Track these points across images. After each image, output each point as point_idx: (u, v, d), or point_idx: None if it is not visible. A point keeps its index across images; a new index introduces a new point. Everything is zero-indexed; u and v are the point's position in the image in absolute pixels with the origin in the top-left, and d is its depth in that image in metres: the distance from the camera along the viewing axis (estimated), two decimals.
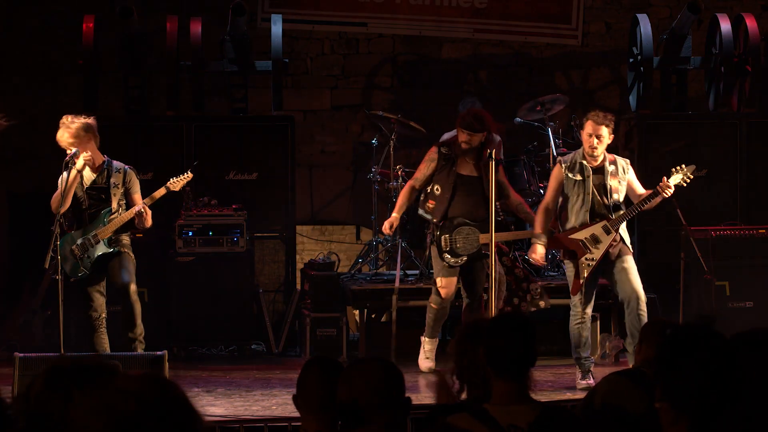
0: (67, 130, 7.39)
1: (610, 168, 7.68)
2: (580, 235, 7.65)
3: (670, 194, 7.60)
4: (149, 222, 7.48)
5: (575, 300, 7.70)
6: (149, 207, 7.51)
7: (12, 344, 8.40)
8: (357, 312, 9.40)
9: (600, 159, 7.67)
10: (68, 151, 7.39)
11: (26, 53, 10.56)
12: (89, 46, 9.62)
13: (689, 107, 10.32)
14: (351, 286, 9.19)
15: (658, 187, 7.59)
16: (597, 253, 7.60)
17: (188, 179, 7.71)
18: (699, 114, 10.23)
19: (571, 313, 7.77)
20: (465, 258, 8.01)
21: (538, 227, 7.71)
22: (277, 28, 9.95)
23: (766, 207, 9.64)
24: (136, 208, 7.41)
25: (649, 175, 9.84)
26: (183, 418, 2.06)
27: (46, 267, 7.33)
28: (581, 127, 7.75)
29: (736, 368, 3.07)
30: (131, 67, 9.87)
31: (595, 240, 7.63)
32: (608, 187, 7.65)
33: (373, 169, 9.81)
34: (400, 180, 9.32)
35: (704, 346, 3.12)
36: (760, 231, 9.24)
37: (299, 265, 10.11)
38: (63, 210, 7.32)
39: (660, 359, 3.16)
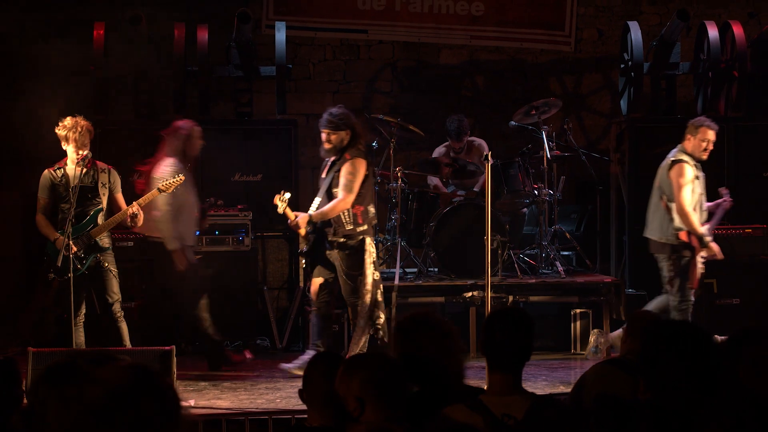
0: (71, 129, 7.43)
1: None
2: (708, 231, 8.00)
3: None
4: (141, 222, 7.51)
5: (689, 294, 8.00)
6: (142, 207, 7.55)
7: (26, 341, 8.42)
8: None
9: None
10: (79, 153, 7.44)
11: (39, 59, 10.57)
12: (100, 52, 9.64)
13: (678, 111, 10.34)
14: None
15: None
16: (707, 253, 7.99)
17: (180, 182, 7.71)
18: (688, 117, 10.25)
19: (681, 305, 7.99)
20: (303, 260, 7.96)
21: (701, 228, 7.94)
22: (280, 35, 9.96)
23: (752, 207, 9.66)
24: (130, 210, 7.44)
25: (640, 176, 9.88)
26: (159, 408, 2.00)
27: (59, 266, 7.34)
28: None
29: (716, 361, 3.10)
30: (140, 72, 9.90)
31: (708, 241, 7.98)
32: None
33: (373, 171, 9.81)
34: (400, 181, 9.34)
35: (685, 340, 3.14)
36: (746, 230, 9.28)
37: (302, 263, 10.11)
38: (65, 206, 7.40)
39: (644, 353, 3.19)
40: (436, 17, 11.12)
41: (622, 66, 10.38)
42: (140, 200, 7.53)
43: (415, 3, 11.08)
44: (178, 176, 7.69)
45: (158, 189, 7.61)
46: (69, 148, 7.48)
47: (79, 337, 7.53)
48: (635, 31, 10.01)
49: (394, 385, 3.44)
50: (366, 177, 7.75)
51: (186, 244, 8.02)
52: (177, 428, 2.02)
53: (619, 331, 7.86)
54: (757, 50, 10.25)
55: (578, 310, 9.09)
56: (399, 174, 9.37)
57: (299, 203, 10.13)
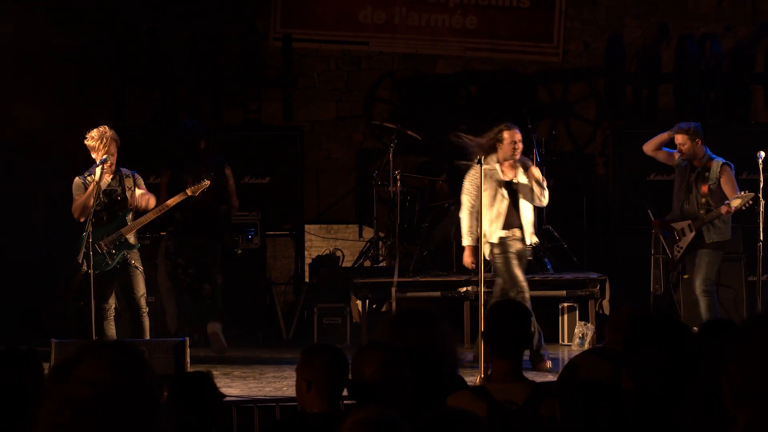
0: (98, 140, 7.44)
1: (703, 170, 7.92)
2: (677, 226, 8.01)
3: (731, 212, 7.81)
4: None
5: None
6: (170, 209, 7.71)
7: (49, 333, 8.41)
8: (359, 302, 9.43)
9: (696, 160, 7.95)
10: (97, 158, 7.45)
11: (61, 69, 10.58)
12: (118, 62, 9.66)
13: (659, 118, 10.35)
14: (354, 279, 9.22)
15: (720, 208, 7.78)
16: (683, 244, 7.97)
17: (205, 186, 7.75)
18: (668, 124, 10.25)
19: None
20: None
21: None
22: (287, 47, 9.98)
23: None
24: (157, 212, 7.56)
25: (623, 178, 9.90)
26: (142, 403, 1.93)
27: (80, 262, 7.35)
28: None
29: (694, 352, 3.11)
30: (156, 81, 9.91)
31: (683, 233, 7.97)
32: (698, 187, 7.83)
33: (374, 174, 9.83)
34: (399, 183, 9.35)
35: (666, 332, 3.16)
36: None
37: (307, 260, 10.14)
38: (88, 211, 7.38)
39: (627, 344, 3.21)
40: (433, 30, 11.13)
41: (607, 76, 10.39)
42: (168, 201, 7.63)
43: (413, 17, 11.09)
44: (204, 181, 7.74)
45: (185, 192, 7.68)
46: (97, 158, 7.48)
47: (110, 330, 7.56)
48: (619, 43, 10.03)
49: (399, 373, 3.47)
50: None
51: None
52: (158, 417, 1.96)
53: None
54: (732, 61, 10.26)
55: (565, 304, 9.12)
56: (398, 176, 9.39)
57: (305, 203, 10.17)
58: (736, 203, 7.70)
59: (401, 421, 2.37)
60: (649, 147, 8.25)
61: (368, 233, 10.84)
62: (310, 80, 11.29)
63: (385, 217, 9.85)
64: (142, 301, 7.61)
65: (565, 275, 9.32)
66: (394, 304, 8.79)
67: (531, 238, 7.75)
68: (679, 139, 7.97)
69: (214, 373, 7.60)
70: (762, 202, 8.27)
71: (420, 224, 9.49)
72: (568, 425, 3.67)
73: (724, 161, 7.96)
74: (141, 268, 7.62)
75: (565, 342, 9.00)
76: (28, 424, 2.08)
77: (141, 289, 7.61)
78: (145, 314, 7.61)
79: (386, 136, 9.85)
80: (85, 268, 7.33)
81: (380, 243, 9.86)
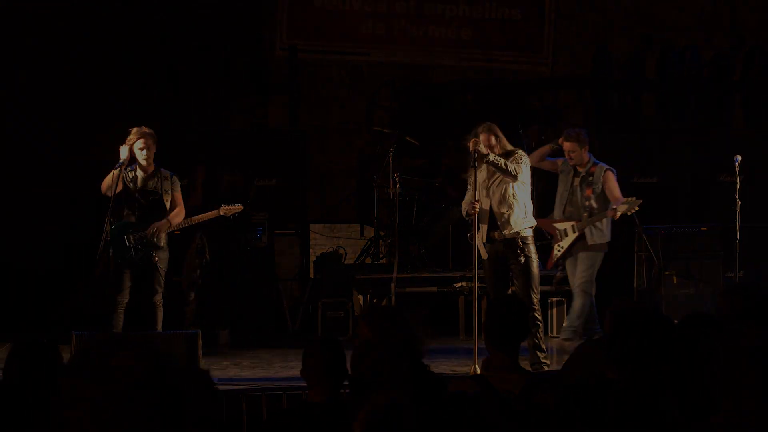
0: (141, 137, 7.39)
1: (587, 175, 7.79)
2: (559, 226, 7.88)
3: (616, 217, 7.73)
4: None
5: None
6: (199, 223, 7.74)
7: (69, 325, 8.43)
8: (361, 297, 9.46)
9: (581, 165, 7.80)
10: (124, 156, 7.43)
11: (78, 78, 10.60)
12: (131, 70, 9.70)
13: (643, 123, 10.38)
14: (356, 275, 9.25)
15: (607, 212, 7.70)
16: (564, 244, 7.84)
17: (239, 210, 7.80)
18: (651, 128, 10.30)
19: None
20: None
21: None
22: (293, 57, 10.01)
23: (709, 207, 9.70)
24: (187, 221, 7.63)
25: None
26: (171, 390, 1.93)
27: (98, 257, 7.34)
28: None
29: (676, 345, 3.13)
30: (167, 88, 9.93)
31: (566, 233, 7.80)
32: (583, 190, 7.76)
33: (374, 177, 9.86)
34: (398, 185, 9.38)
35: (649, 324, 3.18)
36: (701, 229, 9.31)
37: (312, 258, 10.16)
38: (113, 190, 7.25)
39: (611, 336, 3.23)
40: (430, 41, 11.17)
41: (594, 84, 10.43)
42: (199, 216, 7.62)
43: (412, 29, 11.13)
44: (238, 205, 7.81)
45: (218, 211, 7.73)
46: (138, 154, 7.42)
47: (119, 322, 7.55)
48: (605, 54, 10.06)
49: (398, 365, 3.50)
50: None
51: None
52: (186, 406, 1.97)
53: None
54: (712, 70, 10.30)
55: (554, 299, 9.14)
56: (397, 179, 9.41)
57: (310, 204, 10.19)
58: (622, 209, 7.66)
59: (410, 407, 2.38)
60: (533, 159, 8.13)
61: (369, 232, 10.88)
62: (315, 88, 11.33)
63: (385, 217, 9.88)
64: (158, 297, 7.61)
65: (554, 271, 9.34)
66: (393, 299, 8.81)
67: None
68: (568, 146, 7.80)
69: (225, 363, 7.68)
70: (738, 203, 8.30)
71: (418, 224, 9.52)
72: (562, 414, 3.70)
73: (608, 167, 7.90)
74: (164, 267, 7.58)
75: (554, 334, 9.02)
76: (48, 414, 2.02)
77: (159, 287, 7.60)
78: (159, 307, 7.61)
79: (386, 141, 9.87)
80: (105, 261, 7.33)
81: (380, 241, 9.88)
